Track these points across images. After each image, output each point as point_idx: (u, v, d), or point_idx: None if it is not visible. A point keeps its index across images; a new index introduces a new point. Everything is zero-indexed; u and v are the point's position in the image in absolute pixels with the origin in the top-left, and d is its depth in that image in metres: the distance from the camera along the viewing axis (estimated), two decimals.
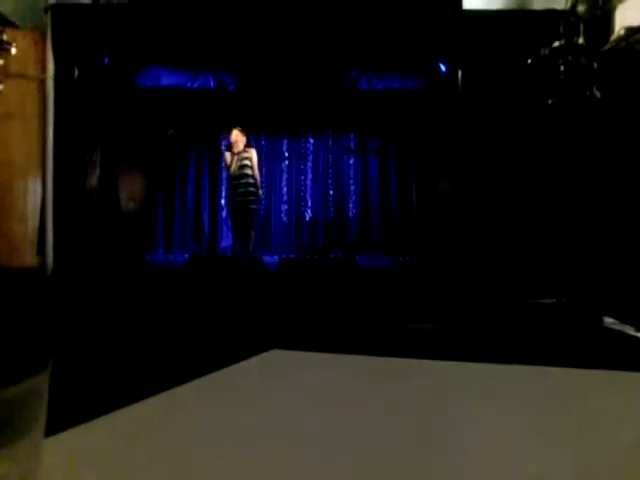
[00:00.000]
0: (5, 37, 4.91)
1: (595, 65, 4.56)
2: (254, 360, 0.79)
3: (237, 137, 6.61)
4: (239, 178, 6.45)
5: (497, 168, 5.65)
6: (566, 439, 0.53)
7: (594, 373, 0.74)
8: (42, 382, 0.28)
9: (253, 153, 6.66)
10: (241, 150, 6.52)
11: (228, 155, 6.62)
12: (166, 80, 7.02)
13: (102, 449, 0.49)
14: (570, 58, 4.75)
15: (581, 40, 4.67)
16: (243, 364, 0.77)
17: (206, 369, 0.71)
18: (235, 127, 6.89)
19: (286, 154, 8.50)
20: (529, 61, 5.02)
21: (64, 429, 0.48)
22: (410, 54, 5.73)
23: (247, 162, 6.49)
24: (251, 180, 6.50)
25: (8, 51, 4.95)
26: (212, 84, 7.07)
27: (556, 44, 4.84)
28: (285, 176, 8.48)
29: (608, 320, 3.91)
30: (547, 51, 4.89)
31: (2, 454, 0.26)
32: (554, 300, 4.48)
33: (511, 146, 5.55)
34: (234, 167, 6.45)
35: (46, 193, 5.48)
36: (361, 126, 8.38)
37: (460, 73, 5.94)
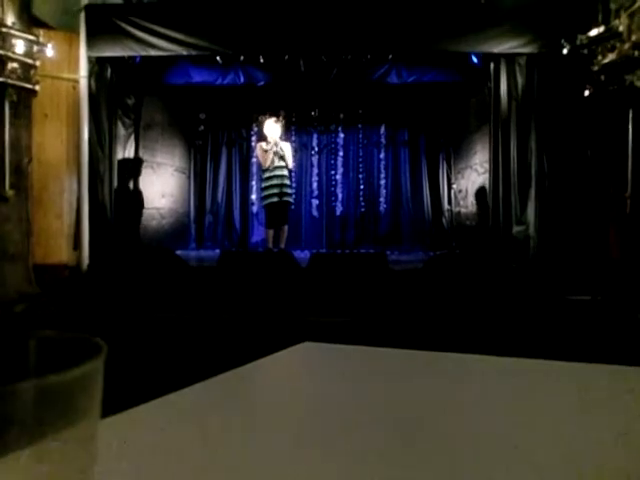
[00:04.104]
0: (41, 39, 5.05)
1: (636, 53, 4.41)
2: (286, 352, 0.81)
3: (272, 127, 6.39)
4: (274, 170, 6.21)
5: (531, 161, 5.57)
6: (600, 437, 0.55)
7: (629, 370, 0.74)
8: (96, 367, 0.29)
9: (288, 145, 6.50)
10: (276, 141, 6.29)
11: (262, 146, 6.36)
12: (196, 77, 7.10)
13: (143, 436, 0.53)
14: (609, 46, 4.61)
15: (621, 27, 4.53)
16: (275, 356, 0.79)
17: (239, 362, 0.74)
18: (269, 116, 6.87)
19: (316, 148, 8.52)
20: (565, 51, 4.91)
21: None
22: (441, 47, 5.66)
23: (282, 153, 6.25)
24: (286, 172, 6.30)
25: (43, 52, 5.08)
26: (242, 80, 7.12)
27: (594, 31, 4.72)
28: (315, 170, 8.50)
29: None
30: (585, 39, 4.76)
31: (58, 440, 0.26)
32: (589, 297, 4.40)
33: (546, 139, 5.46)
34: (268, 159, 6.20)
35: (82, 191, 5.62)
36: (392, 119, 8.35)
37: (492, 66, 5.87)
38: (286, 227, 6.49)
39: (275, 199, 6.25)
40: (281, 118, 7.05)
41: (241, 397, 0.65)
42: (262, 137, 6.68)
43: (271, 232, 6.57)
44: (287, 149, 6.40)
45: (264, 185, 6.38)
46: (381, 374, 0.75)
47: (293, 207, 6.89)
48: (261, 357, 0.78)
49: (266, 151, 6.25)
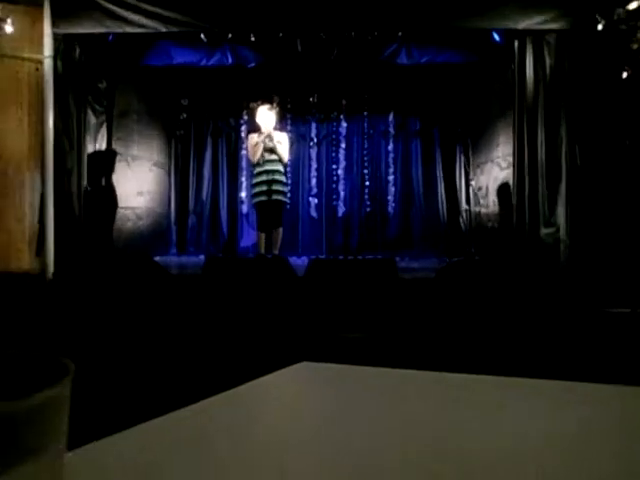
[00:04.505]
0: None
1: None
2: (281, 374, 0.82)
3: (265, 116, 6.39)
4: (264, 165, 6.24)
5: (562, 153, 5.57)
6: (631, 469, 0.55)
7: None
8: (62, 391, 0.29)
9: (284, 136, 6.50)
10: (270, 131, 6.29)
11: (253, 137, 6.37)
12: (178, 58, 7.10)
13: (128, 464, 0.53)
14: None
15: None
16: (269, 378, 0.80)
17: (229, 383, 0.74)
18: (261, 103, 6.86)
19: (315, 139, 8.53)
20: (600, 26, 4.92)
21: (84, 442, 0.52)
22: (458, 23, 5.67)
23: (273, 146, 6.25)
24: (281, 168, 6.31)
25: (2, 29, 5.09)
26: (230, 61, 7.13)
27: (634, 4, 4.73)
28: (314, 165, 8.51)
29: None
30: (623, 13, 4.78)
31: (20, 471, 0.26)
32: (629, 309, 4.41)
33: (578, 128, 5.47)
34: (260, 152, 6.22)
35: (46, 188, 5.61)
36: (402, 106, 8.37)
37: (516, 44, 5.87)
38: (280, 230, 6.49)
39: (263, 198, 6.27)
40: (275, 105, 7.06)
41: (232, 423, 0.65)
42: (254, 127, 6.69)
43: (262, 235, 6.56)
44: (284, 140, 6.39)
45: (253, 182, 6.42)
46: (385, 396, 0.76)
47: (288, 207, 6.88)
48: (253, 379, 0.78)
49: (257, 144, 6.27)
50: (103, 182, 6.68)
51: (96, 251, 5.97)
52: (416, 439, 0.60)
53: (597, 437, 0.62)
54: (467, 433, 0.62)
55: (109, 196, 6.74)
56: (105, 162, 6.68)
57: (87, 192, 6.09)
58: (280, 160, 6.31)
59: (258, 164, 6.29)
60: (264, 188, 6.23)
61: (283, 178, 6.41)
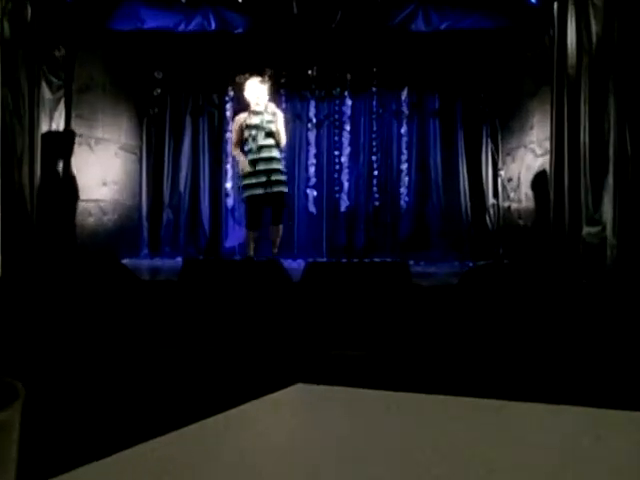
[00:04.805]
0: None
1: None
2: (274, 397, 0.82)
3: (256, 90, 6.46)
4: (260, 150, 6.29)
5: (609, 138, 5.58)
6: None
7: None
8: (11, 416, 0.30)
9: (279, 114, 6.54)
10: (262, 109, 6.38)
11: (242, 117, 6.48)
12: (150, 22, 7.11)
13: None
14: None
15: None
16: (260, 402, 0.80)
17: (210, 409, 0.74)
18: (250, 75, 6.87)
19: (314, 120, 8.54)
20: None
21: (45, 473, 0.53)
22: None
23: (272, 127, 6.32)
24: (277, 153, 6.40)
25: None
26: (213, 25, 7.14)
27: None
28: (313, 150, 8.52)
29: None
30: None
31: None
32: None
33: (630, 109, 5.47)
34: (252, 134, 6.31)
35: None
36: (417, 81, 8.38)
37: (556, 6, 5.88)
38: (281, 227, 6.62)
39: (259, 190, 6.32)
40: (267, 78, 7.07)
41: (212, 456, 0.65)
42: (242, 104, 6.71)
43: (252, 234, 6.60)
44: (280, 119, 6.45)
45: (248, 171, 6.42)
46: (388, 422, 0.77)
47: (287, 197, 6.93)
48: (238, 404, 0.78)
49: (244, 124, 6.31)
50: (60, 169, 6.69)
51: (51, 251, 5.97)
52: (417, 471, 0.61)
53: None
54: (480, 473, 0.62)
55: (68, 186, 6.74)
56: (63, 145, 6.69)
57: (41, 181, 6.09)
58: (277, 145, 6.36)
59: (251, 151, 6.34)
60: (262, 179, 6.28)
61: (281, 166, 6.50)
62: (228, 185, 8.45)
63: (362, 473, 0.61)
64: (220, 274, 5.51)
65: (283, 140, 6.44)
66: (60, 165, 6.67)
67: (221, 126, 8.56)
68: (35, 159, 6.02)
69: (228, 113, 8.41)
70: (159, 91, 8.46)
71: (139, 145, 8.43)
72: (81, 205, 6.93)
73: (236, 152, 6.56)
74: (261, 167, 6.28)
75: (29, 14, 5.89)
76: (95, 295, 4.85)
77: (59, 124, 6.57)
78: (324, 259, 7.87)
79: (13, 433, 0.31)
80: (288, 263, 6.45)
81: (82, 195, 6.92)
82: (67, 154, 6.76)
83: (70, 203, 6.76)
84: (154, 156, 8.54)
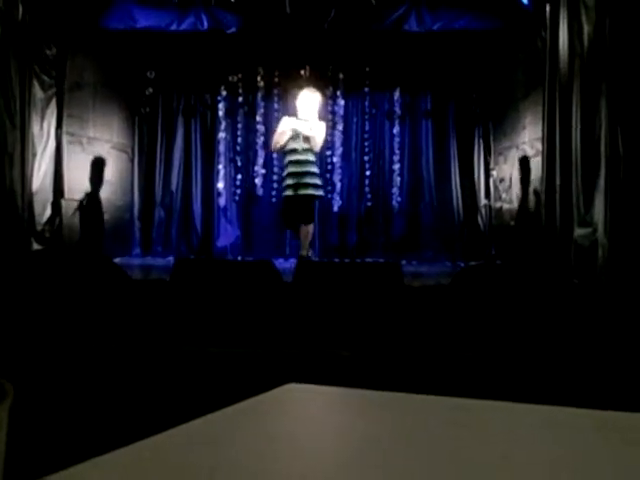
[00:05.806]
0: None
1: None
2: (265, 397, 0.83)
3: (309, 99, 6.77)
4: (297, 154, 6.57)
5: (601, 139, 5.59)
6: None
7: None
8: None
9: (322, 125, 6.80)
10: (310, 119, 6.64)
11: (290, 120, 6.72)
12: (143, 21, 7.10)
13: None
14: None
15: None
16: (252, 402, 0.80)
17: (201, 409, 0.74)
18: (306, 87, 7.14)
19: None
20: None
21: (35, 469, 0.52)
22: None
23: (310, 132, 6.58)
24: (311, 157, 6.64)
25: None
26: (205, 25, 7.13)
27: None
28: None
29: None
30: None
31: None
32: None
33: (621, 110, 5.48)
34: (294, 141, 6.57)
35: None
36: (410, 81, 8.38)
37: (548, 8, 5.90)
38: (310, 227, 6.78)
39: (289, 192, 6.63)
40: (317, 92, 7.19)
41: (211, 451, 0.65)
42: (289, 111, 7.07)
43: (294, 234, 7.06)
44: (323, 132, 6.75)
45: (284, 173, 6.82)
46: (380, 422, 0.77)
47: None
48: (229, 404, 0.78)
49: (283, 131, 6.62)
50: (51, 168, 6.65)
51: (43, 250, 5.95)
52: (410, 472, 0.61)
53: None
54: (478, 474, 0.62)
55: (58, 185, 6.71)
56: (54, 144, 6.65)
57: (32, 180, 6.07)
58: (311, 149, 6.60)
59: (287, 153, 6.66)
60: (291, 182, 6.60)
61: (315, 169, 6.70)
62: (220, 185, 8.44)
63: (354, 472, 0.61)
64: (212, 274, 5.50)
65: (318, 146, 6.67)
66: (52, 164, 6.64)
67: (213, 126, 8.55)
68: (26, 158, 5.99)
69: (220, 112, 8.41)
70: (151, 90, 8.45)
71: (131, 144, 8.41)
72: (72, 205, 6.90)
73: (277, 148, 6.89)
74: (292, 169, 6.59)
75: (20, 12, 5.87)
76: (87, 294, 4.83)
77: (50, 123, 6.55)
78: (316, 259, 7.86)
79: (1, 431, 0.31)
80: (279, 263, 6.46)
81: (73, 195, 6.89)
82: (59, 153, 6.73)
83: (61, 202, 6.73)
84: (146, 155, 8.53)
